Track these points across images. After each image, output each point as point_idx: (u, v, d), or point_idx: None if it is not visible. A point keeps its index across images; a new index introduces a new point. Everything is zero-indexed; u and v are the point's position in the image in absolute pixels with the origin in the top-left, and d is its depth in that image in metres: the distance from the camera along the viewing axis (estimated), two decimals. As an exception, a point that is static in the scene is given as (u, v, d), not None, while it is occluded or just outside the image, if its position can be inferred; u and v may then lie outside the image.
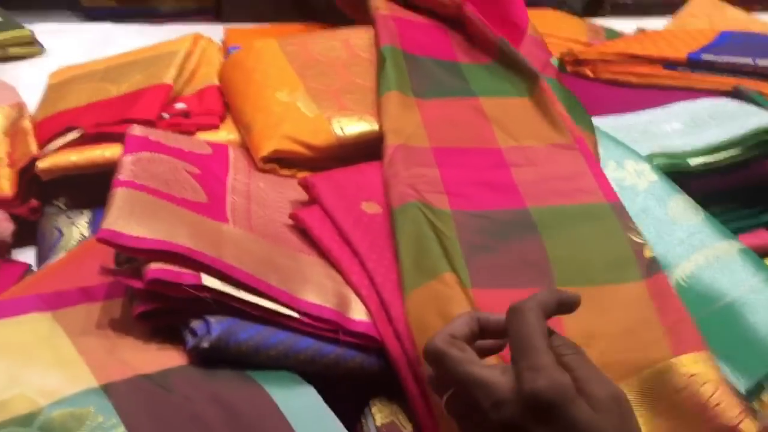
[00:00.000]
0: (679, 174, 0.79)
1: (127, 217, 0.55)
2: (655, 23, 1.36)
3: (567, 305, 0.44)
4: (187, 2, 1.97)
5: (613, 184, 0.74)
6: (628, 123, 0.92)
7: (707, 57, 1.01)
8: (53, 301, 0.57)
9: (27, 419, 0.46)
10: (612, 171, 0.78)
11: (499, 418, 0.39)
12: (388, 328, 0.59)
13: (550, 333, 0.42)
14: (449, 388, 0.44)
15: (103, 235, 0.53)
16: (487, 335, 0.45)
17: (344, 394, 0.58)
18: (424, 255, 0.62)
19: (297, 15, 1.24)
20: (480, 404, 0.40)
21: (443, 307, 0.57)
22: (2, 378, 0.47)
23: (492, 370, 0.41)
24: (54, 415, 0.46)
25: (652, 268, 0.63)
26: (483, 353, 0.45)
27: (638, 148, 0.82)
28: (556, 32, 1.33)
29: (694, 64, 1.01)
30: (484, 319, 0.45)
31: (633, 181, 0.77)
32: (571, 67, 1.10)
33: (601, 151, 0.80)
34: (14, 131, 0.86)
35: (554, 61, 1.18)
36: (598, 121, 0.87)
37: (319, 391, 0.55)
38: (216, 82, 0.92)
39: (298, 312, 0.57)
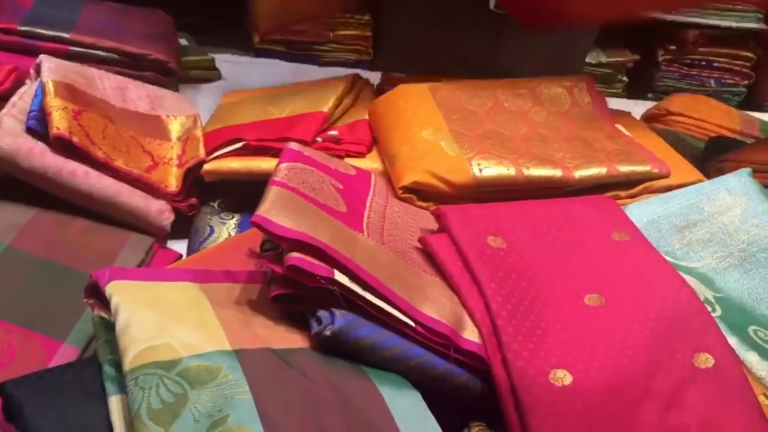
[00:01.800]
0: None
1: (278, 210, 0.62)
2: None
3: None
4: (347, 54, 2.13)
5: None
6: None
7: None
8: (202, 276, 0.64)
9: (169, 365, 0.52)
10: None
11: None
12: (496, 353, 0.61)
13: None
14: None
15: (257, 219, 0.60)
16: None
17: (444, 413, 0.60)
18: None
19: (443, 71, 1.29)
20: None
21: None
22: (155, 327, 0.54)
23: None
24: (191, 366, 0.52)
25: None
26: None
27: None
28: (709, 118, 1.33)
29: None
30: None
31: None
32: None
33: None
34: (186, 137, 0.98)
35: (701, 144, 1.19)
36: None
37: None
38: (367, 117, 1.00)
39: (415, 321, 0.60)
